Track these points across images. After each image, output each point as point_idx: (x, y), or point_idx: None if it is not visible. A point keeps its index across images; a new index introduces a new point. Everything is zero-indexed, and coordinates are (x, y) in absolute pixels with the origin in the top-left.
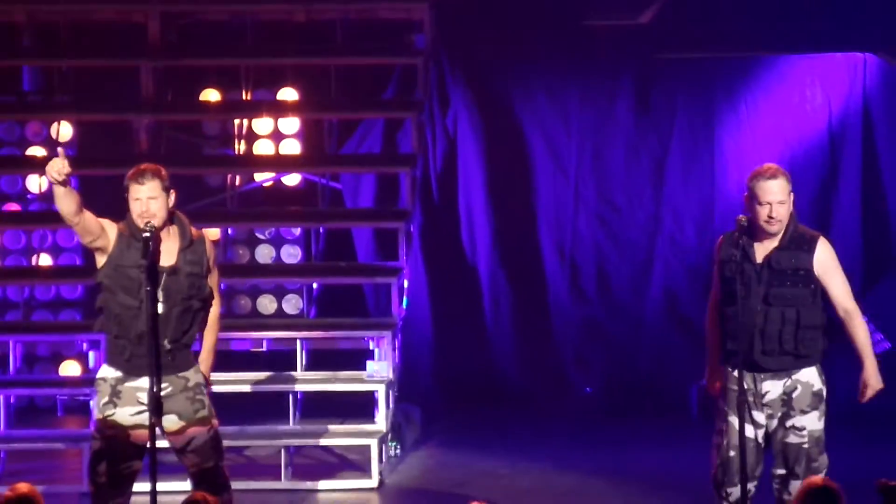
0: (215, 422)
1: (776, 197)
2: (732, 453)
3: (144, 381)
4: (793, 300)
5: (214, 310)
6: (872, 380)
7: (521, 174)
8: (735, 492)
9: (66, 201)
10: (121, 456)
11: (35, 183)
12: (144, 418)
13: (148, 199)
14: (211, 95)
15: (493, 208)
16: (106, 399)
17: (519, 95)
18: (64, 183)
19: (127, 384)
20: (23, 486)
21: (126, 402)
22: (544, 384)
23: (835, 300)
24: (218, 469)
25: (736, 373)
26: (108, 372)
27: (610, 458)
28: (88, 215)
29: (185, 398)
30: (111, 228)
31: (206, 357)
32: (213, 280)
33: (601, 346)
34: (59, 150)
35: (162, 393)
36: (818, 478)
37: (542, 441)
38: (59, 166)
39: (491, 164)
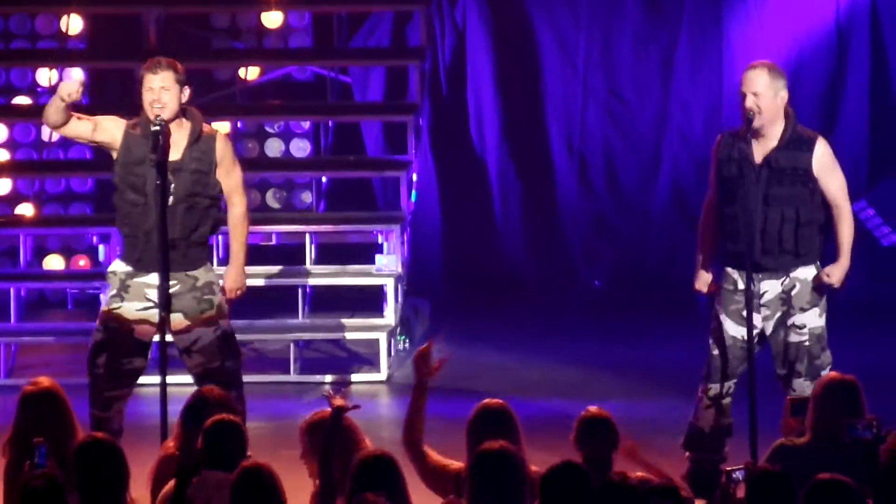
0: (224, 322)
1: (751, 88)
2: (716, 352)
3: (153, 277)
4: (791, 199)
5: (235, 210)
6: (836, 275)
7: (530, 67)
8: (714, 388)
9: (54, 114)
10: (122, 350)
11: (45, 76)
12: (150, 314)
13: (160, 88)
14: None
15: (501, 102)
16: (114, 292)
17: None
18: (66, 105)
19: (136, 279)
20: (44, 380)
21: (133, 296)
22: (553, 278)
23: (830, 198)
24: (224, 369)
25: (734, 273)
26: (118, 266)
27: (616, 351)
28: (73, 123)
29: (192, 297)
30: (117, 126)
31: (232, 262)
32: (231, 179)
33: (609, 240)
34: (81, 77)
35: (172, 289)
36: (833, 373)
37: (550, 334)
38: (72, 90)
39: (500, 57)
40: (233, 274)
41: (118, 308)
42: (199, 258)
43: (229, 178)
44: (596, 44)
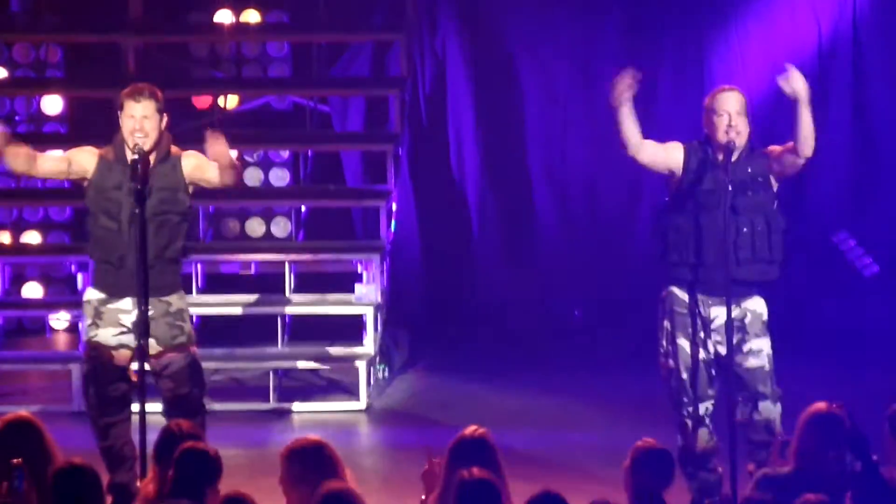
0: (194, 348)
1: (734, 107)
2: (685, 375)
3: (126, 303)
4: (757, 207)
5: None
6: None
7: (510, 97)
8: (691, 409)
9: (14, 162)
10: (106, 378)
11: (23, 105)
12: (125, 339)
13: (142, 117)
14: (220, 17)
15: (482, 131)
16: (90, 321)
17: (508, 17)
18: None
19: (109, 305)
20: (23, 413)
21: (108, 322)
22: (532, 307)
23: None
24: (192, 395)
25: (681, 293)
26: (91, 294)
27: (597, 381)
28: (45, 163)
29: (165, 323)
30: (90, 156)
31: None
32: (201, 160)
33: (589, 269)
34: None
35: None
36: (820, 404)
37: (529, 364)
38: None
39: (480, 86)
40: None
41: (95, 336)
42: (172, 283)
43: (203, 165)
44: (576, 72)
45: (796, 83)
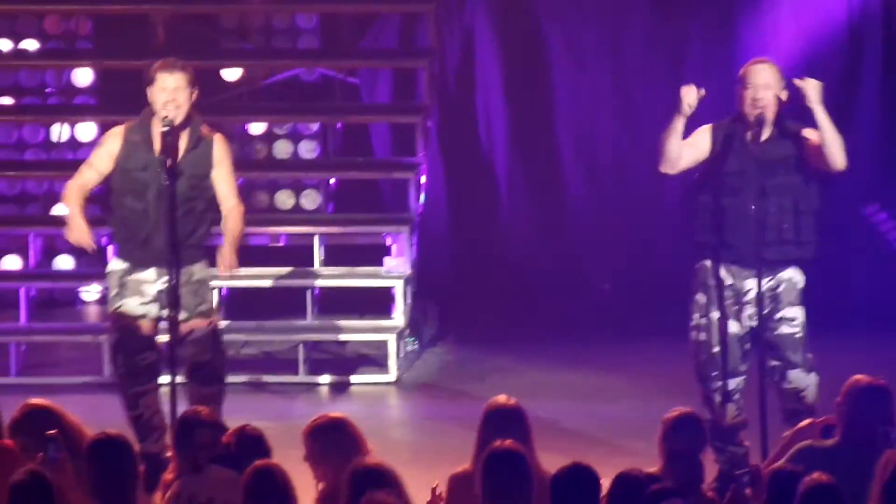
0: (216, 318)
1: (760, 80)
2: (716, 349)
3: (149, 273)
4: (787, 188)
5: (238, 206)
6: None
7: (538, 68)
8: (721, 385)
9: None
10: (134, 347)
11: (54, 76)
12: (148, 309)
13: (174, 89)
14: None
15: (510, 103)
16: (115, 291)
17: None
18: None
19: (132, 276)
20: (39, 400)
21: (131, 292)
22: (562, 280)
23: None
24: (213, 363)
25: (719, 269)
26: (115, 265)
27: (627, 354)
28: (86, 189)
29: (188, 290)
30: (113, 142)
31: (226, 243)
32: (231, 180)
33: (619, 241)
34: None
35: (166, 284)
36: (865, 377)
37: (559, 337)
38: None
39: (508, 58)
40: (226, 252)
41: (121, 306)
42: (195, 256)
43: (229, 180)
44: (605, 43)
45: (804, 84)
